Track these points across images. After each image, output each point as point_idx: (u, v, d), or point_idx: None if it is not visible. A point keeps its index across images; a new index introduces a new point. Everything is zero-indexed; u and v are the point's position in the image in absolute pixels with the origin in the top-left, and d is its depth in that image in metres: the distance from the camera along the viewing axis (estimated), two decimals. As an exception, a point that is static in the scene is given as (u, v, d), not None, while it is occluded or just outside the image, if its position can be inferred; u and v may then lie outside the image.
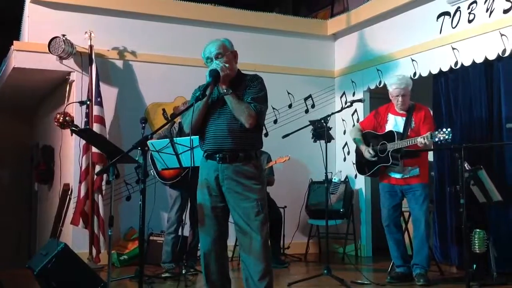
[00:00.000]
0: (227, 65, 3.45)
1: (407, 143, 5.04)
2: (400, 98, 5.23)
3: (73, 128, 5.64)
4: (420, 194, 5.18)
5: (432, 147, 5.25)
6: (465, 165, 4.73)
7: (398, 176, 5.25)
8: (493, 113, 5.68)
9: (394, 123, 5.31)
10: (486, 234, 5.02)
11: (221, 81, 3.42)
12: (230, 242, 3.86)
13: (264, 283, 3.40)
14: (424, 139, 4.85)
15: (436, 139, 4.77)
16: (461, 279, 5.06)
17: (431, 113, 5.43)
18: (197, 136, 3.62)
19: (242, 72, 3.65)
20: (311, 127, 5.91)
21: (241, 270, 3.55)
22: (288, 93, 7.62)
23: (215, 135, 3.47)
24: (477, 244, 4.98)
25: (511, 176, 5.46)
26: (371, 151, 5.28)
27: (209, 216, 3.51)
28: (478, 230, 5.00)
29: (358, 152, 5.57)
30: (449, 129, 4.74)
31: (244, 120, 3.40)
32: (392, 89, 5.30)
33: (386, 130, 5.31)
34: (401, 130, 5.21)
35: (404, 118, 5.27)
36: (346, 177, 7.37)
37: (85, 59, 6.40)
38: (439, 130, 4.80)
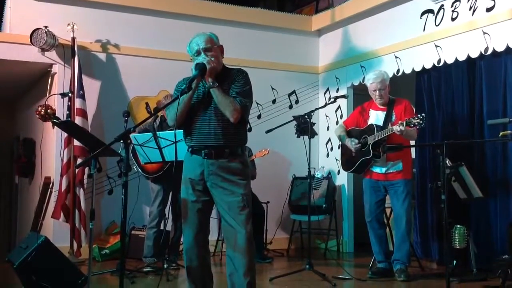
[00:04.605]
0: (213, 58, 3.44)
1: (385, 133, 5.08)
2: (377, 92, 5.29)
3: (55, 120, 5.57)
4: (403, 191, 5.21)
5: (414, 139, 5.30)
6: (447, 161, 4.77)
7: (380, 170, 5.28)
8: (474, 110, 5.74)
9: (376, 118, 5.35)
10: (466, 230, 5.07)
11: (207, 74, 3.41)
12: (212, 237, 3.86)
13: (248, 277, 3.41)
14: (400, 126, 4.90)
15: (411, 125, 4.84)
16: (441, 275, 5.11)
17: (412, 106, 5.49)
18: (181, 130, 3.61)
19: (227, 66, 3.64)
20: (294, 122, 5.92)
21: (226, 264, 3.55)
22: (272, 89, 7.62)
23: (201, 130, 3.46)
24: (457, 240, 5.03)
25: (491, 172, 5.53)
26: (354, 140, 5.29)
27: (192, 211, 3.51)
28: (458, 226, 5.06)
29: (342, 149, 5.59)
30: (423, 114, 4.84)
31: (229, 114, 3.40)
32: (369, 84, 5.36)
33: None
34: (381, 124, 5.25)
35: (385, 112, 5.31)
36: (329, 173, 7.41)
37: (68, 52, 6.33)
38: (414, 116, 4.89)
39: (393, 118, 5.26)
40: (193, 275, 3.57)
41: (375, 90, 5.30)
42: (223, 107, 3.40)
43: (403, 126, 4.89)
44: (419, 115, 4.85)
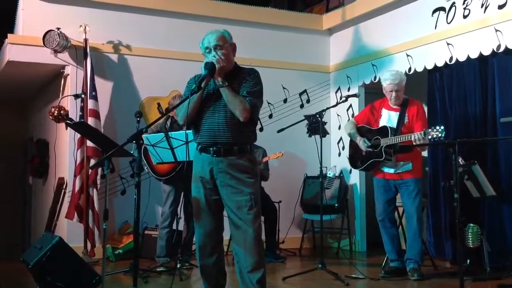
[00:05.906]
0: (223, 57, 3.44)
1: (400, 139, 5.03)
2: (394, 94, 5.25)
3: (68, 121, 5.62)
4: (413, 189, 5.19)
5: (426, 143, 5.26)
6: (459, 160, 4.75)
7: (391, 171, 5.26)
8: (487, 108, 5.70)
9: (388, 118, 5.32)
10: (479, 229, 5.04)
11: (216, 73, 3.41)
12: (226, 236, 3.87)
13: (258, 275, 3.42)
14: (418, 136, 4.86)
15: (429, 137, 4.77)
16: (455, 274, 5.07)
17: (424, 108, 5.45)
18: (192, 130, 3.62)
19: (240, 65, 3.64)
20: (306, 122, 5.92)
21: (234, 262, 3.56)
22: (283, 88, 7.62)
23: (210, 128, 3.47)
24: (470, 239, 5.01)
25: (504, 171, 5.49)
26: (366, 141, 5.27)
27: (203, 209, 3.52)
28: (472, 224, 5.03)
29: (352, 145, 5.58)
30: (442, 127, 4.72)
31: (239, 114, 3.40)
32: (386, 84, 5.30)
33: (380, 125, 5.32)
34: (394, 125, 5.22)
35: (398, 113, 5.28)
36: (341, 172, 7.39)
37: (80, 53, 6.37)
38: (432, 128, 4.77)
39: (406, 120, 5.23)
40: (206, 273, 3.60)
41: (391, 91, 5.26)
42: (232, 106, 3.40)
43: (421, 137, 4.81)
44: (438, 128, 4.72)
